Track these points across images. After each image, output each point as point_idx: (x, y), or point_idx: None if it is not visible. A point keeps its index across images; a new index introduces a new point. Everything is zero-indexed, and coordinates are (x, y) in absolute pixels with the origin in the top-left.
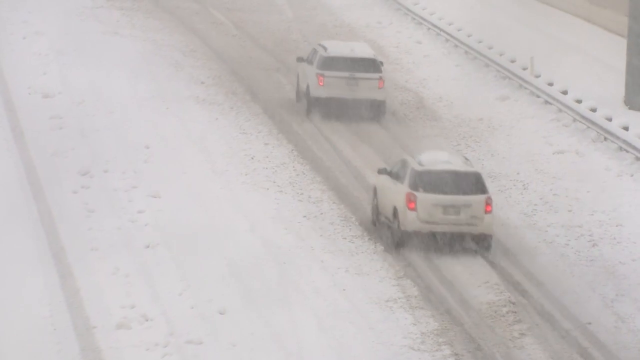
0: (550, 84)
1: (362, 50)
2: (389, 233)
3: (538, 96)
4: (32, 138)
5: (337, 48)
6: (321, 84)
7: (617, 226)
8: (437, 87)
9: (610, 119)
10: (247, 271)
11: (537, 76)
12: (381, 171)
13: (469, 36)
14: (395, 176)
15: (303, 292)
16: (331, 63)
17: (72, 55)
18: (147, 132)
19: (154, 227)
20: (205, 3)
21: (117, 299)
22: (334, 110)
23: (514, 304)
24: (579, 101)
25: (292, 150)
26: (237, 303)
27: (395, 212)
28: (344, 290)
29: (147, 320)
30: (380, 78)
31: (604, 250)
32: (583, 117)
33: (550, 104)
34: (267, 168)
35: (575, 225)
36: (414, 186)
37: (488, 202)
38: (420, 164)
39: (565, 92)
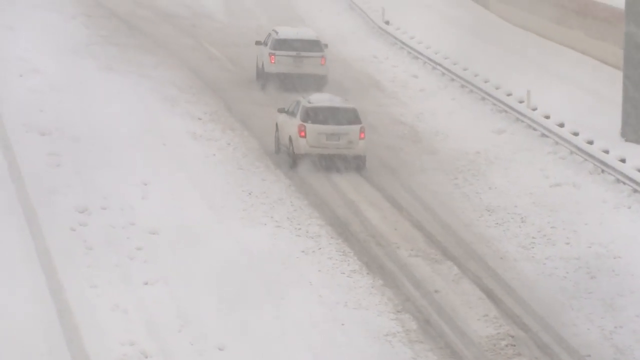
0: (547, 117)
1: (307, 33)
2: (287, 157)
3: (535, 129)
4: (29, 175)
5: (287, 32)
6: (272, 61)
7: (614, 258)
8: (433, 121)
9: (607, 152)
10: (245, 307)
11: (534, 109)
12: (280, 110)
13: (464, 70)
14: (291, 113)
15: (301, 327)
16: (281, 44)
17: (69, 92)
18: (144, 168)
19: (152, 264)
20: (200, 39)
21: (116, 336)
22: (284, 83)
23: (513, 337)
24: (575, 134)
25: (290, 185)
26: (236, 339)
27: (290, 140)
28: (342, 324)
29: (146, 357)
30: (322, 56)
31: (602, 282)
32: (580, 149)
33: (547, 136)
34: (264, 203)
35: (573, 257)
36: (304, 119)
37: (362, 131)
38: (309, 102)
39: (561, 125)
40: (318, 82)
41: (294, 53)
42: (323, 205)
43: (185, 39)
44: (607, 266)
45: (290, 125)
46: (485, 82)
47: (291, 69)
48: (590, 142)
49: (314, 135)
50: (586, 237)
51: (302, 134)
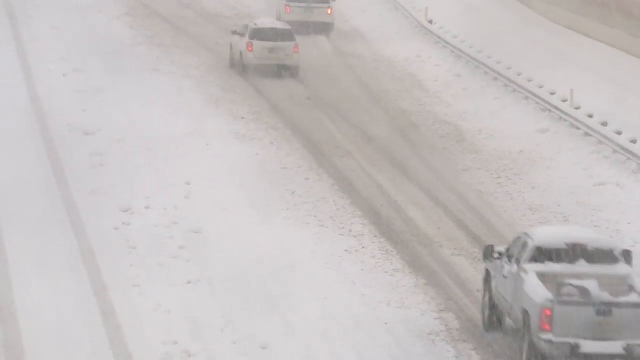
0: (590, 116)
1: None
2: (239, 67)
3: (578, 128)
4: (72, 175)
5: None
6: (288, 11)
7: None
8: (476, 120)
9: None
10: (288, 306)
11: (577, 108)
12: (233, 32)
13: (508, 69)
14: (241, 34)
15: (344, 326)
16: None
17: (112, 92)
18: (187, 168)
19: (195, 263)
20: None
21: (159, 335)
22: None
23: None
24: (619, 133)
25: (333, 184)
26: (279, 338)
27: (241, 54)
28: (385, 323)
29: (189, 357)
30: (329, 7)
31: None
32: (623, 148)
33: (591, 135)
34: (307, 203)
35: None
36: (252, 37)
37: (295, 46)
38: (255, 25)
39: (605, 124)
40: (325, 29)
41: (305, 4)
42: (366, 205)
43: (229, 40)
44: None
45: (241, 43)
46: (529, 81)
47: (304, 17)
48: (634, 141)
49: (259, 49)
50: (630, 236)
51: (250, 49)
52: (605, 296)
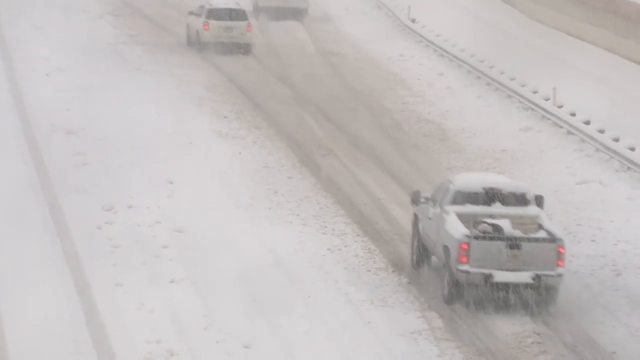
0: (573, 114)
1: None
2: (196, 45)
3: (561, 127)
4: (55, 175)
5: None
6: (206, 28)
7: None
8: (459, 119)
9: (633, 149)
10: (272, 304)
11: (560, 106)
12: (190, 13)
13: (490, 67)
14: (197, 14)
15: (328, 325)
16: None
17: (95, 91)
18: (171, 167)
19: (178, 262)
20: None
21: (142, 335)
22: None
23: (539, 334)
24: (601, 131)
25: (315, 183)
26: (263, 337)
27: (197, 33)
28: (368, 322)
29: (172, 356)
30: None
31: (628, 279)
32: (606, 147)
33: (573, 134)
34: (290, 202)
35: (599, 255)
36: (207, 17)
37: (248, 25)
38: (210, 5)
39: (587, 122)
40: (300, 14)
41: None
42: (349, 204)
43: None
44: (634, 264)
45: (197, 23)
46: (512, 79)
47: (280, 4)
48: (617, 140)
49: (215, 28)
50: (612, 235)
51: (206, 27)
52: (516, 233)
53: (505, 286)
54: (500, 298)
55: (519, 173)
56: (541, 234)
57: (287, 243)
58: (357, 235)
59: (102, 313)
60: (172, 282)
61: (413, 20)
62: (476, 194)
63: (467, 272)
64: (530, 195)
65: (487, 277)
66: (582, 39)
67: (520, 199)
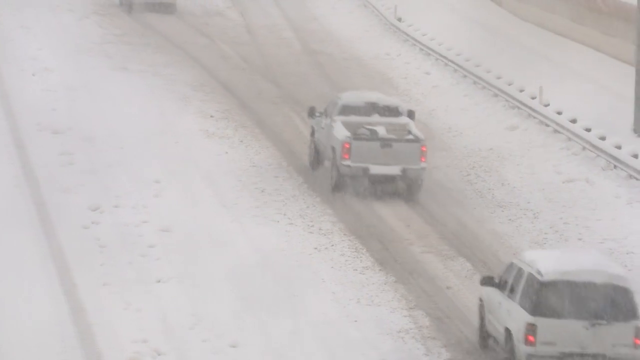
0: (559, 113)
1: None
2: (126, 6)
3: (547, 125)
4: (42, 174)
5: None
6: None
7: (627, 254)
8: (446, 118)
9: (619, 147)
10: (259, 305)
11: (546, 105)
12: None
13: (477, 66)
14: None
15: (314, 324)
16: None
17: (82, 91)
18: (157, 166)
19: (165, 262)
20: (213, 37)
21: (129, 334)
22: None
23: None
24: (588, 129)
25: (302, 182)
26: (249, 337)
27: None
28: (355, 321)
29: (159, 355)
30: None
31: None
32: (592, 145)
33: (560, 132)
34: (277, 201)
35: None
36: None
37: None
38: None
39: (574, 121)
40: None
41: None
42: (335, 203)
43: (198, 38)
44: (620, 262)
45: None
46: (498, 78)
47: None
48: (603, 138)
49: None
50: (599, 233)
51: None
52: (389, 136)
53: (380, 177)
54: (377, 189)
55: (506, 172)
56: (409, 137)
57: (274, 242)
58: (344, 235)
59: (88, 312)
60: (158, 281)
61: (399, 19)
62: (359, 107)
63: (349, 166)
64: (402, 109)
65: (365, 170)
66: (569, 38)
67: (393, 111)
